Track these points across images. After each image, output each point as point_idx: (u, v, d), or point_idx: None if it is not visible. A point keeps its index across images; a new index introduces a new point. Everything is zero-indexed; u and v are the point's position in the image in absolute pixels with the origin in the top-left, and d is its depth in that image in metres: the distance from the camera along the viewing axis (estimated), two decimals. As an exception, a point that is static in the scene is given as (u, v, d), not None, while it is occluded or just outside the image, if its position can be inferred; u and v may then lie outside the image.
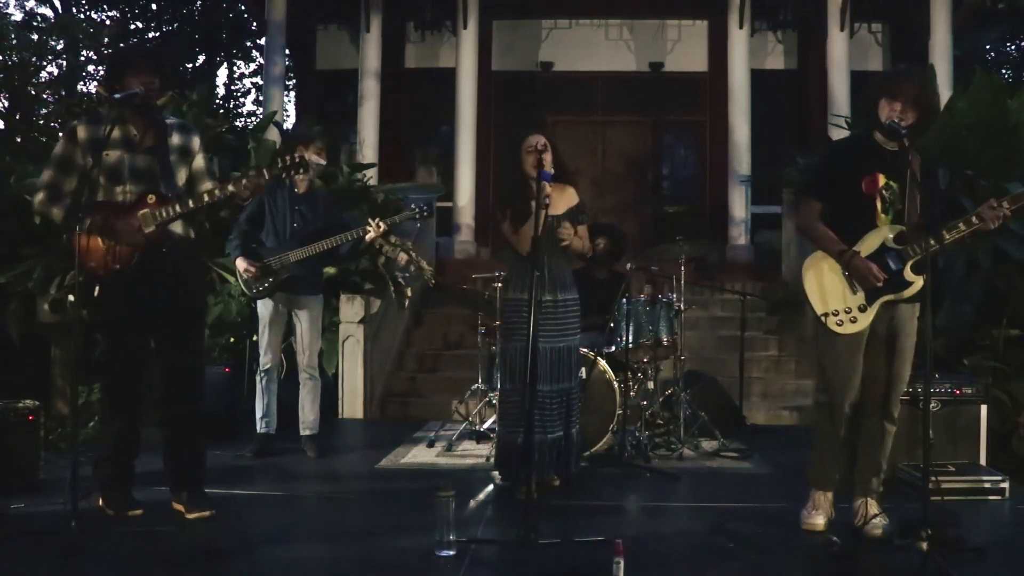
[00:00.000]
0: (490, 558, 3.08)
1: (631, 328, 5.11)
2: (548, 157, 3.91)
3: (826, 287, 3.37)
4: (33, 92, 8.88)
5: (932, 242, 3.18)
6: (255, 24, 15.81)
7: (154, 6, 17.26)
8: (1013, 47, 16.73)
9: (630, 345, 5.10)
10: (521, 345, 3.89)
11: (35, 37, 10.06)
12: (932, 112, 3.33)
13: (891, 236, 3.31)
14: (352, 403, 6.98)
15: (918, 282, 3.29)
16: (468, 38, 11.22)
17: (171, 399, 3.70)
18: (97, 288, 3.51)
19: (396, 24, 11.78)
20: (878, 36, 12.09)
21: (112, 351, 3.68)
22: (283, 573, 3.01)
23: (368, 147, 10.99)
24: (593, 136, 12.11)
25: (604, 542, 3.04)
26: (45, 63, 9.68)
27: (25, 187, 6.31)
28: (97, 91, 8.22)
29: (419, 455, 5.21)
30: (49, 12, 15.64)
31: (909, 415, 4.23)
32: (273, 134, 8.36)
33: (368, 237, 4.90)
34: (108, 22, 16.02)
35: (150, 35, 17.24)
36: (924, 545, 2.92)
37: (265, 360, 5.02)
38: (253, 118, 16.77)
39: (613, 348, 5.19)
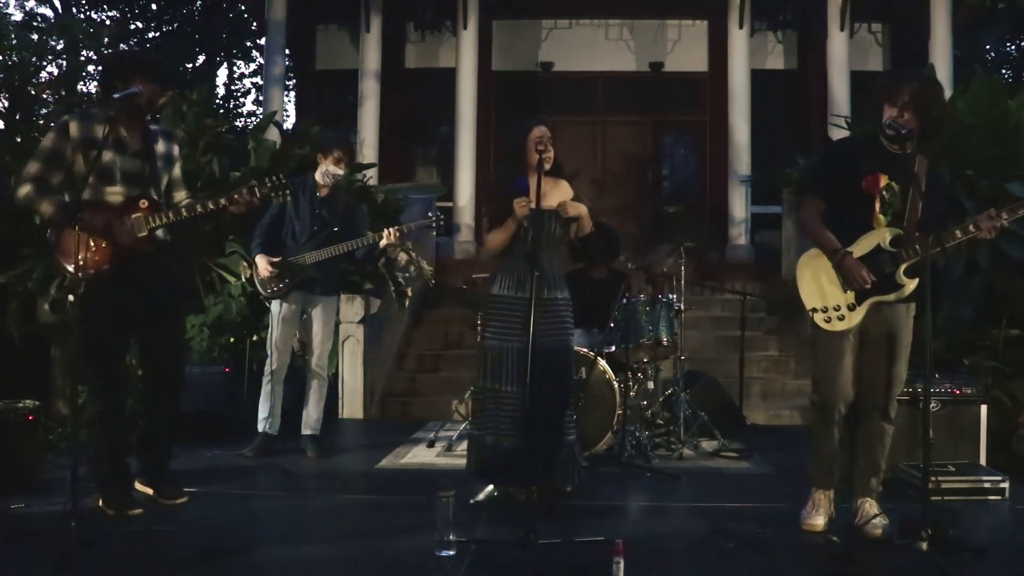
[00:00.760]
0: (490, 558, 3.08)
1: (631, 328, 5.11)
2: (550, 156, 3.85)
3: (818, 284, 3.42)
4: (33, 92, 8.85)
5: (928, 247, 3.17)
6: (255, 24, 15.80)
7: (154, 6, 17.26)
8: (1013, 47, 16.74)
9: (630, 345, 5.10)
10: (503, 344, 3.83)
11: (35, 37, 10.04)
12: (937, 118, 3.31)
13: (888, 239, 3.33)
14: (352, 403, 6.99)
15: (910, 285, 3.31)
16: (468, 38, 11.23)
17: (152, 396, 3.79)
18: (83, 285, 3.50)
19: (396, 24, 11.79)
20: (878, 36, 12.10)
21: (92, 349, 3.66)
22: (283, 573, 3.01)
23: (368, 147, 11.00)
24: (593, 136, 12.12)
25: (604, 542, 3.03)
26: (45, 63, 9.65)
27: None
28: (97, 91, 8.22)
29: (419, 455, 5.21)
30: (49, 12, 15.66)
31: (909, 415, 4.23)
32: (273, 134, 8.35)
33: (383, 244, 4.90)
34: (108, 22, 16.02)
35: (150, 35, 17.25)
36: (924, 545, 2.92)
37: (274, 360, 5.00)
38: (253, 118, 16.79)
39: (613, 348, 5.19)
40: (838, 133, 8.93)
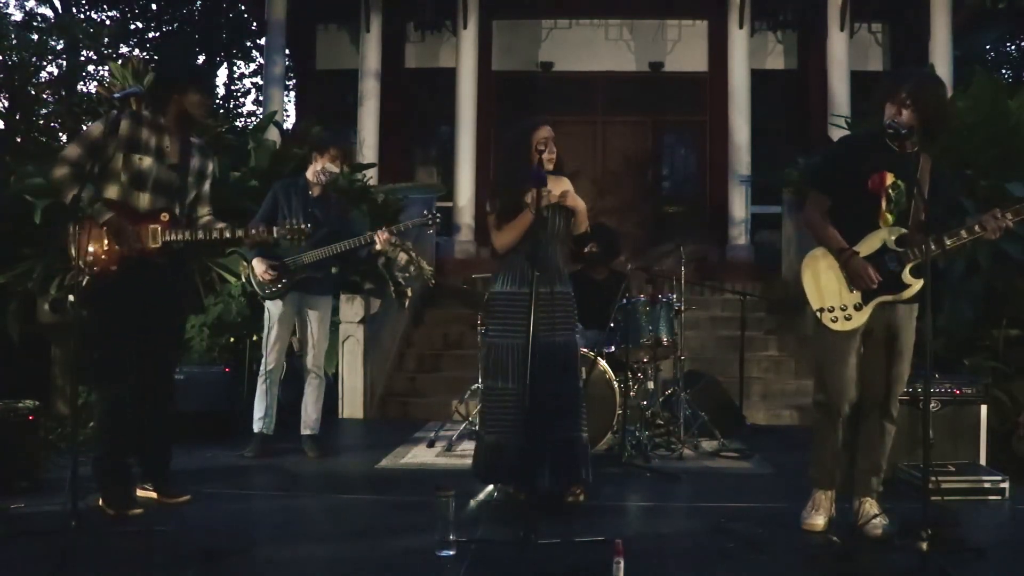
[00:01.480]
0: (490, 558, 3.08)
1: (631, 328, 5.11)
2: (552, 157, 3.82)
3: (824, 284, 3.40)
4: (33, 92, 8.86)
5: (932, 247, 3.16)
6: (255, 24, 15.81)
7: (154, 6, 17.25)
8: (1013, 47, 16.74)
9: (630, 345, 5.10)
10: (505, 342, 3.81)
11: (35, 37, 10.05)
12: (937, 115, 3.30)
13: (893, 238, 3.33)
14: (352, 403, 6.98)
15: (916, 285, 3.30)
16: (468, 38, 11.22)
17: (151, 397, 3.80)
18: (86, 279, 3.57)
19: (396, 24, 11.78)
20: (878, 36, 12.10)
21: (101, 347, 3.72)
22: (283, 573, 3.01)
23: (368, 147, 10.99)
24: (593, 136, 12.11)
25: (604, 542, 3.04)
26: (45, 63, 9.66)
27: (25, 187, 6.31)
28: (97, 91, 8.23)
29: (419, 455, 5.21)
30: (49, 12, 15.64)
31: (909, 415, 4.23)
32: (273, 134, 8.36)
33: (377, 246, 4.89)
34: (108, 22, 16.01)
35: (150, 35, 17.24)
36: (924, 545, 2.91)
37: (270, 360, 5.01)
38: (253, 118, 16.79)
39: (613, 348, 5.19)
40: (838, 133, 8.92)
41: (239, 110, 18.54)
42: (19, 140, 8.24)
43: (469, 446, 5.31)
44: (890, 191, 3.32)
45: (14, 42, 9.04)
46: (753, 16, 11.28)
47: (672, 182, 12.73)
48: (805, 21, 11.62)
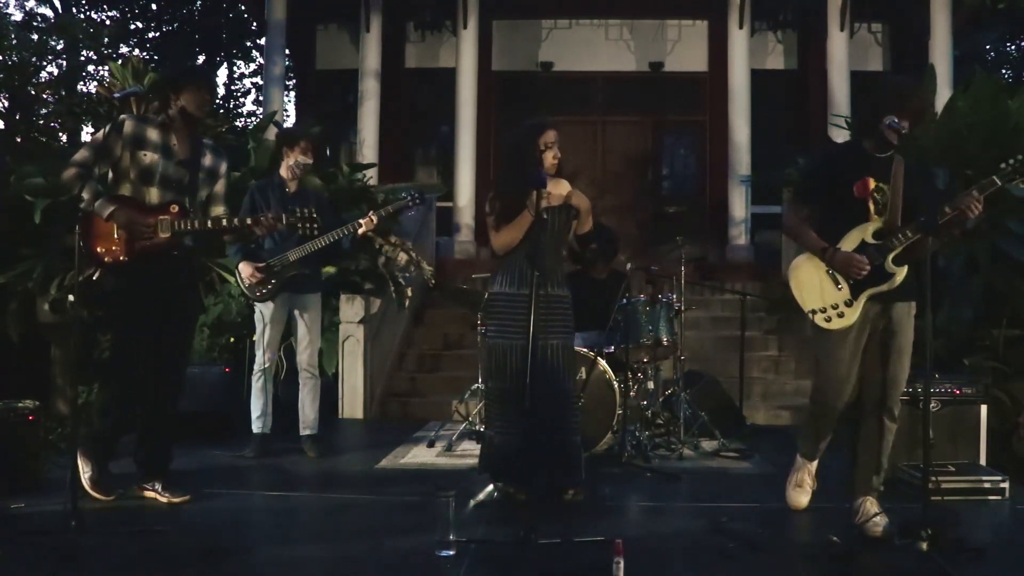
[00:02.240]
0: (490, 558, 3.08)
1: (631, 328, 5.11)
2: (555, 159, 3.83)
3: (812, 285, 3.49)
4: (33, 92, 8.87)
5: (910, 234, 3.31)
6: (255, 24, 15.80)
7: (154, 6, 17.25)
8: (1013, 47, 16.73)
9: (630, 345, 5.10)
10: (505, 342, 3.82)
11: (35, 37, 10.06)
12: (927, 118, 3.42)
13: (871, 231, 3.42)
14: (352, 403, 6.98)
15: (900, 273, 3.39)
16: (468, 38, 11.22)
17: (157, 394, 3.83)
18: (97, 272, 3.67)
19: (396, 24, 11.78)
20: (878, 36, 12.09)
21: (119, 335, 3.86)
22: (283, 573, 3.01)
23: (368, 147, 10.99)
24: (593, 136, 12.11)
25: (604, 542, 3.04)
26: (45, 63, 9.67)
27: (25, 187, 6.31)
28: (97, 91, 8.23)
29: (419, 455, 5.21)
30: (49, 12, 15.64)
31: (909, 415, 4.24)
32: (273, 134, 8.35)
33: (361, 231, 4.89)
34: (108, 22, 16.01)
35: (150, 35, 17.24)
36: (924, 545, 2.92)
37: (264, 360, 5.02)
38: (253, 118, 16.78)
39: (613, 348, 5.19)
40: (838, 133, 8.93)
41: (239, 110, 18.54)
42: (19, 140, 8.24)
43: (469, 446, 5.32)
44: (875, 195, 3.42)
45: (14, 42, 9.05)
46: (753, 16, 11.28)
47: (672, 182, 12.72)
48: (805, 21, 11.62)
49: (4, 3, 15.64)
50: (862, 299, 3.41)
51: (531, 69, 12.08)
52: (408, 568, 3.02)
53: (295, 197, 5.01)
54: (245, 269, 4.92)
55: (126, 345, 3.81)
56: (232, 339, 6.40)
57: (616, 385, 4.95)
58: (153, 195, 3.76)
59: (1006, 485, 4.03)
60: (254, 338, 5.40)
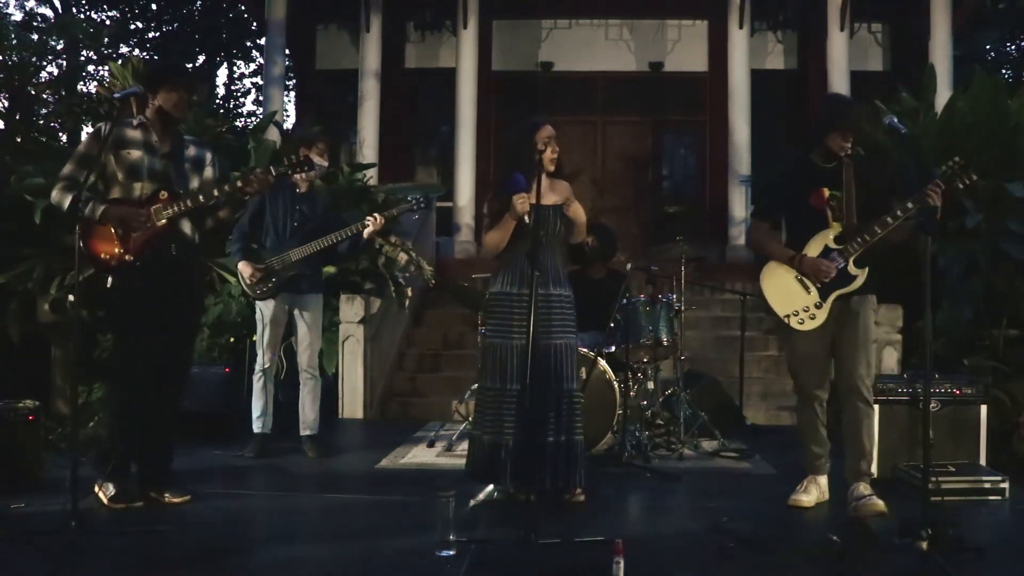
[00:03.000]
0: (490, 558, 3.08)
1: (631, 328, 5.10)
2: (553, 156, 3.81)
3: (783, 291, 3.73)
4: (33, 92, 8.88)
5: (867, 237, 3.55)
6: (255, 24, 15.80)
7: (154, 6, 17.25)
8: (1013, 47, 16.73)
9: (630, 345, 5.10)
10: (504, 342, 3.81)
11: (35, 37, 10.07)
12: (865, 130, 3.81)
13: (832, 237, 3.66)
14: (352, 403, 6.98)
15: (862, 275, 3.64)
16: (468, 38, 11.22)
17: (161, 395, 3.83)
18: (109, 279, 3.69)
19: (396, 24, 11.78)
20: (878, 36, 12.09)
21: (122, 344, 3.83)
22: (283, 573, 3.01)
23: (368, 147, 10.99)
24: (593, 136, 12.11)
25: (604, 542, 3.03)
26: (45, 63, 9.68)
27: (25, 187, 6.31)
28: (97, 91, 8.24)
29: (419, 455, 5.21)
30: (49, 12, 15.65)
31: (909, 415, 4.24)
32: (273, 134, 8.36)
33: (366, 232, 4.90)
34: (108, 22, 16.01)
35: (150, 35, 17.24)
36: (924, 545, 2.92)
37: (264, 360, 5.02)
38: (253, 118, 16.78)
39: (613, 348, 5.19)
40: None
41: (239, 110, 18.56)
42: (19, 140, 8.24)
43: (469, 446, 5.33)
44: (831, 202, 3.65)
45: (14, 42, 9.06)
46: (753, 16, 11.27)
47: (672, 182, 12.72)
48: (805, 21, 11.62)
49: (4, 3, 15.64)
50: (830, 301, 3.66)
51: (531, 69, 12.09)
52: (408, 568, 3.02)
53: (304, 197, 5.02)
54: (245, 268, 4.92)
55: (127, 346, 3.80)
56: (232, 339, 6.40)
57: (616, 385, 4.95)
58: (145, 190, 3.78)
59: (1006, 485, 4.02)
60: (254, 338, 5.40)
